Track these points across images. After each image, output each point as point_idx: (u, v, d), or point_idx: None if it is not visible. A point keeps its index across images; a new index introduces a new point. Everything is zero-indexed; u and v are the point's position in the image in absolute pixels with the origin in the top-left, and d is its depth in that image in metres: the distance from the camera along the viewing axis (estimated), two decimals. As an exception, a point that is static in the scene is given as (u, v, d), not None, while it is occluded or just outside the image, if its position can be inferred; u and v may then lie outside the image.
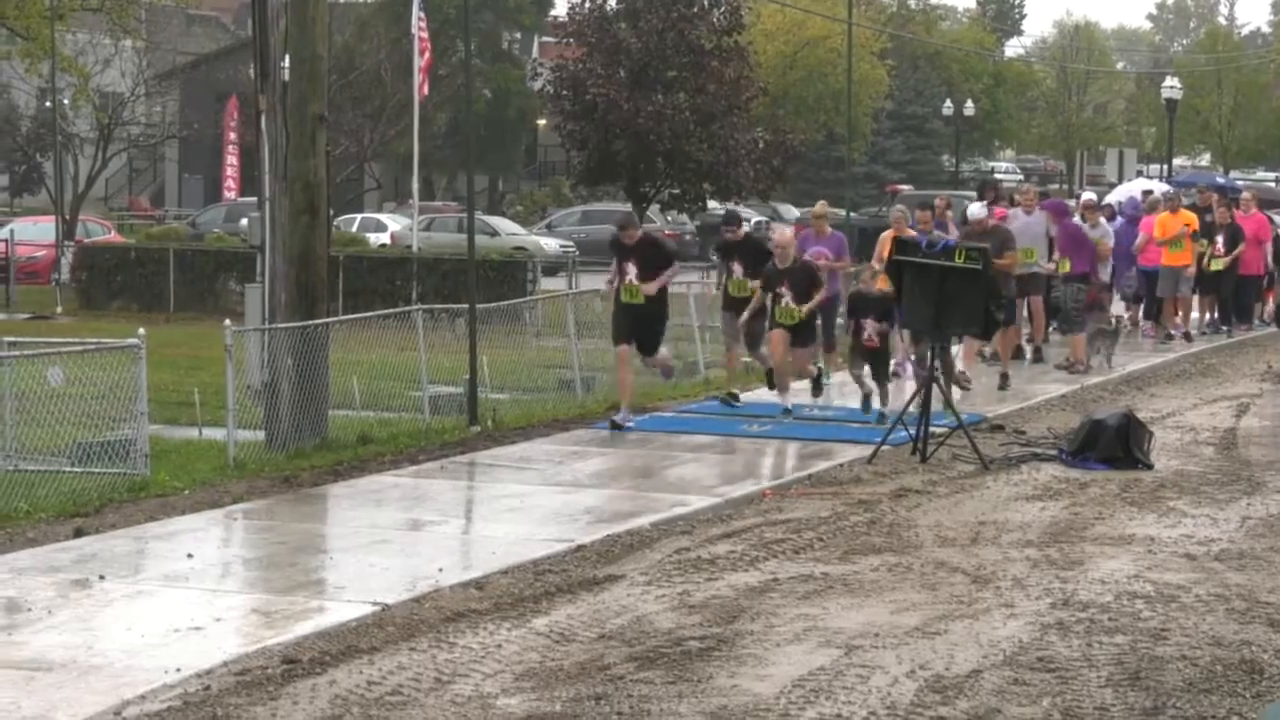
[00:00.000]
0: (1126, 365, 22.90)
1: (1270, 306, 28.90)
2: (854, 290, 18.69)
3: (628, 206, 45.89)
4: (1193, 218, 26.01)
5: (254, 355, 16.98)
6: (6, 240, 40.51)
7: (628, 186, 45.94)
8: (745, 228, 20.29)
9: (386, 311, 20.79)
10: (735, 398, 18.72)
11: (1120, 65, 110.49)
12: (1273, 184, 68.14)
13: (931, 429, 15.74)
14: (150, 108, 62.72)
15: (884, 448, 15.67)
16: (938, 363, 16.68)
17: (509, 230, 51.90)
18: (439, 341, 20.19)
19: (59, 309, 37.44)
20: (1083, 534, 12.49)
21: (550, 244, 49.42)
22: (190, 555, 11.52)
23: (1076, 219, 23.33)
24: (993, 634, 9.64)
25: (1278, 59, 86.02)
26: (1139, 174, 65.42)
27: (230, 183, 56.97)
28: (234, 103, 55.80)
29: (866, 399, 17.93)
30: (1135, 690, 8.63)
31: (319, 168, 16.63)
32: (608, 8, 45.58)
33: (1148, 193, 31.65)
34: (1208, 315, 27.57)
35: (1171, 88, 62.86)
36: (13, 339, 16.81)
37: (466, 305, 18.88)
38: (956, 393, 18.50)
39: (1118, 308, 26.43)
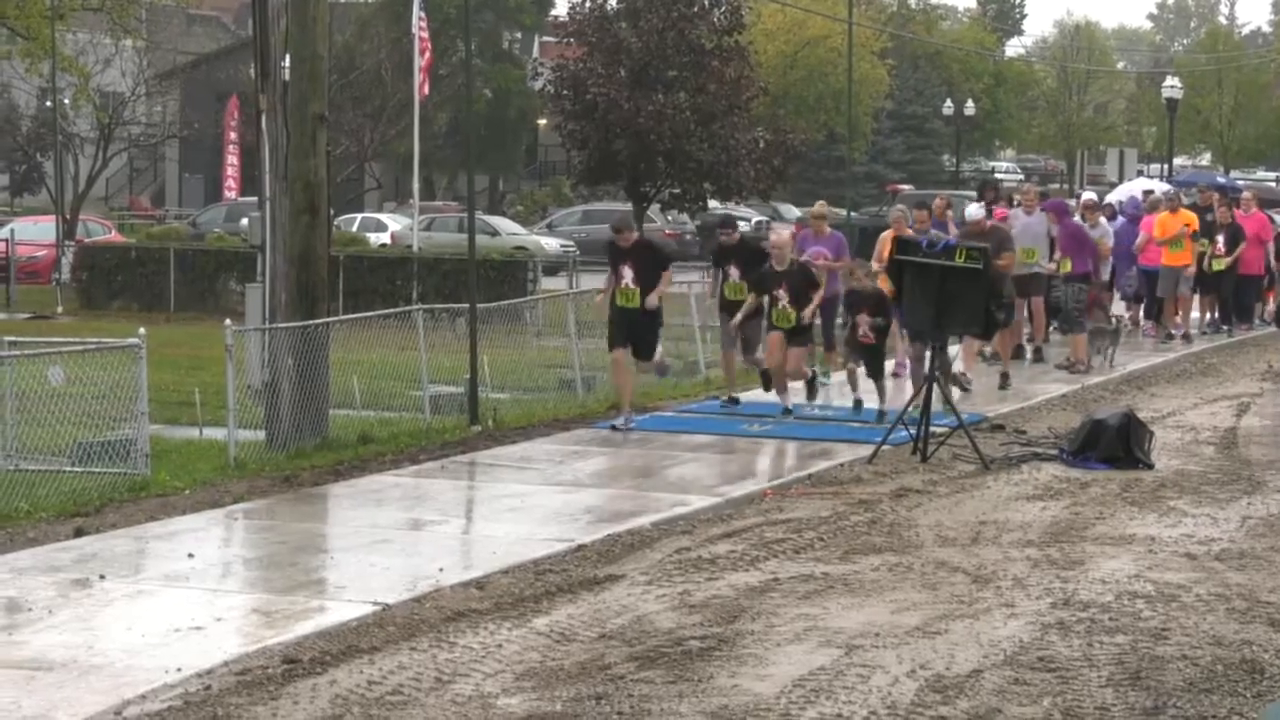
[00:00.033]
0: (1127, 365, 22.90)
1: (1271, 306, 28.90)
2: (848, 287, 18.70)
3: (628, 206, 45.93)
4: (1193, 218, 26.00)
5: (254, 355, 16.98)
6: (7, 240, 40.50)
7: (628, 186, 45.93)
8: (745, 226, 20.32)
9: (387, 311, 20.79)
10: (736, 401, 18.71)
11: (1121, 65, 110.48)
12: (1273, 183, 68.17)
13: (932, 429, 15.74)
14: (151, 107, 62.71)
15: (884, 447, 15.66)
16: (938, 362, 16.67)
17: (509, 230, 51.90)
18: (439, 341, 20.19)
19: (59, 309, 37.45)
20: (1083, 534, 12.49)
21: (551, 244, 49.43)
22: (191, 555, 11.53)
23: (1076, 219, 23.34)
24: (993, 634, 9.64)
25: (1278, 59, 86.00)
26: (1139, 174, 65.47)
27: (231, 182, 56.95)
28: (234, 102, 55.79)
29: (858, 404, 17.90)
30: (1136, 690, 8.63)
31: (319, 167, 16.64)
32: (608, 7, 45.57)
33: (1148, 192, 31.66)
34: (1208, 315, 27.57)
35: (1172, 87, 62.86)
36: (13, 338, 16.80)
37: (467, 305, 18.88)
38: (957, 393, 18.50)
39: (1118, 307, 26.44)
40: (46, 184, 55.26)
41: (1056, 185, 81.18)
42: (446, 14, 60.52)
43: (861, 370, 17.83)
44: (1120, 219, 27.35)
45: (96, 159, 55.14)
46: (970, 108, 78.50)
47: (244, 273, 33.37)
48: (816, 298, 17.77)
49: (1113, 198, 34.84)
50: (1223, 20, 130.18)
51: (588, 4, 45.43)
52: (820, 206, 21.68)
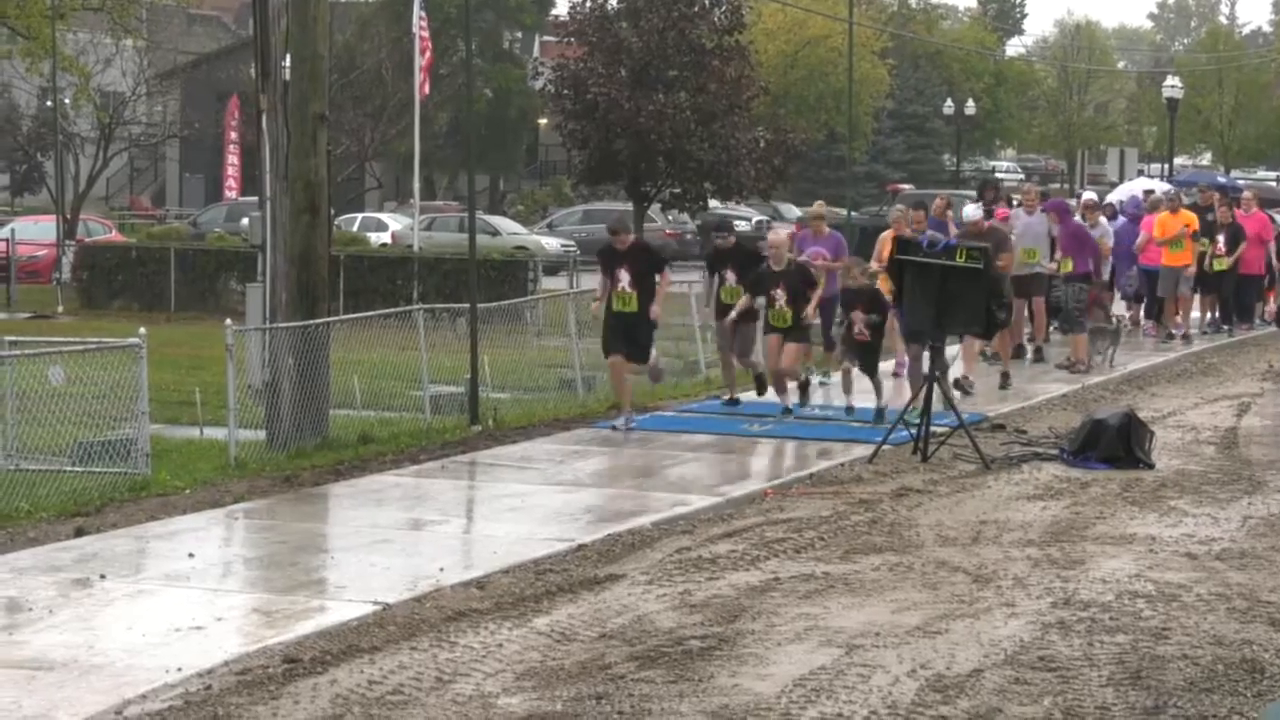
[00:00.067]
0: (1127, 365, 22.89)
1: (1271, 306, 28.88)
2: (843, 284, 18.61)
3: (629, 206, 45.93)
4: (1193, 218, 25.98)
5: (255, 355, 16.98)
6: (7, 240, 40.51)
7: (629, 186, 45.92)
8: (745, 226, 20.26)
9: (387, 311, 20.79)
10: (736, 401, 18.70)
11: (1121, 64, 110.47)
12: (1274, 183, 68.12)
13: (932, 428, 15.74)
14: (151, 107, 62.70)
15: (885, 447, 15.66)
16: (937, 363, 16.66)
17: (510, 230, 51.90)
18: (440, 341, 20.19)
19: (60, 308, 37.46)
20: (1084, 533, 12.49)
21: (551, 243, 49.43)
22: (191, 555, 11.53)
23: (1077, 218, 23.34)
24: (994, 633, 9.64)
25: (1278, 58, 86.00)
26: (1140, 173, 65.48)
27: (231, 182, 56.95)
28: (235, 102, 55.79)
29: (849, 409, 17.68)
30: (1136, 689, 8.63)
31: (320, 167, 16.64)
32: (609, 7, 45.56)
33: (1149, 192, 31.66)
34: (1209, 314, 27.57)
35: (1172, 87, 62.88)
36: (14, 338, 16.82)
37: (468, 304, 18.87)
38: (958, 393, 18.49)
39: (1118, 307, 26.44)
40: (47, 184, 55.26)
41: (1057, 185, 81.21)
42: (447, 13, 60.51)
43: (857, 370, 17.64)
44: (1121, 219, 27.35)
45: (97, 159, 55.14)
46: (971, 107, 78.52)
47: (244, 272, 33.37)
48: (815, 296, 17.75)
49: (1113, 197, 34.85)
50: (1223, 20, 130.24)
51: (588, 4, 45.42)
52: (818, 207, 21.64)
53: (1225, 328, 27.34)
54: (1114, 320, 24.20)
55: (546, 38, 68.77)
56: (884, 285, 18.13)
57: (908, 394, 17.34)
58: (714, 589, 10.66)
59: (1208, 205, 27.21)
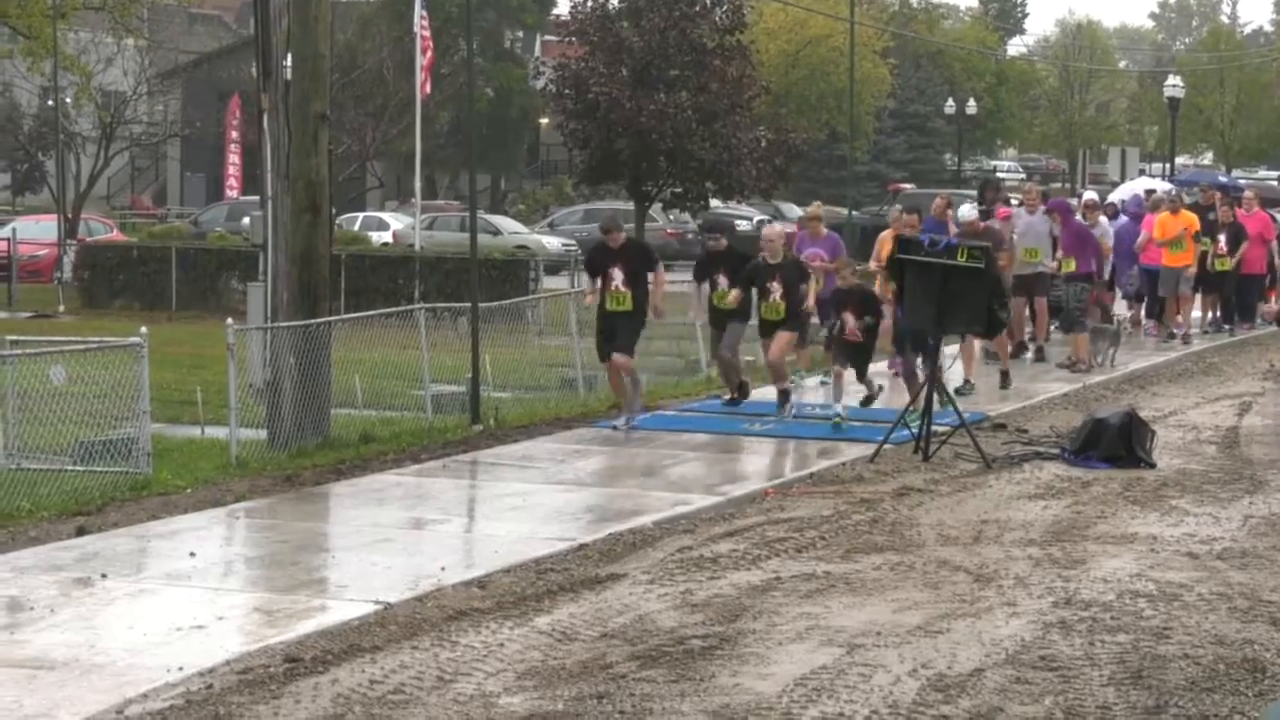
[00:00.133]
0: (1128, 364, 22.89)
1: (1273, 305, 28.84)
2: (835, 285, 18.32)
3: (630, 205, 45.92)
4: (1193, 219, 25.96)
5: (256, 354, 16.98)
6: (9, 239, 40.52)
7: (630, 185, 45.91)
8: (746, 225, 20.16)
9: (389, 310, 20.82)
10: (737, 400, 18.67)
11: (1123, 64, 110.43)
12: (1275, 182, 68.07)
13: (934, 427, 15.74)
14: (152, 106, 62.73)
15: (886, 446, 15.66)
16: (940, 361, 16.65)
17: (511, 229, 51.92)
18: (441, 340, 20.20)
19: (61, 307, 37.46)
20: (1085, 533, 12.49)
21: (552, 243, 49.44)
22: (192, 554, 11.53)
23: (1077, 218, 23.34)
24: (995, 633, 9.64)
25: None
26: (1141, 173, 65.38)
27: (232, 181, 56.98)
28: (236, 101, 55.81)
29: (837, 426, 16.93)
30: (1138, 689, 8.63)
31: (321, 166, 16.64)
32: (610, 6, 45.52)
33: (1150, 192, 31.64)
34: (1210, 314, 27.57)
35: (1174, 86, 62.85)
36: (15, 337, 16.81)
37: (469, 304, 18.87)
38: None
39: (1120, 306, 26.43)
40: (48, 183, 55.26)
41: (1058, 184, 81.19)
42: (448, 13, 60.51)
43: (849, 374, 17.24)
44: (1123, 218, 27.34)
45: (98, 158, 55.17)
46: (972, 107, 78.50)
47: (246, 271, 33.39)
48: (811, 288, 17.70)
49: (1115, 196, 34.82)
50: (1224, 19, 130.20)
51: (589, 3, 45.40)
52: (815, 208, 21.50)
53: (1226, 327, 27.34)
54: (1114, 321, 24.20)
55: (548, 37, 68.78)
56: (885, 287, 18.06)
57: (907, 394, 17.32)
58: (715, 588, 10.67)
59: (1209, 205, 27.20)
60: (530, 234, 51.50)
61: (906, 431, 15.83)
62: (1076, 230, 22.27)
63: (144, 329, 15.22)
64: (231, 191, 56.59)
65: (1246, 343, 26.49)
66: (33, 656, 9.06)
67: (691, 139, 43.39)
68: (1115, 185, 48.86)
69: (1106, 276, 24.49)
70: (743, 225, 49.49)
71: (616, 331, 17.21)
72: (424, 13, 44.29)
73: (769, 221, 48.73)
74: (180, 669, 8.82)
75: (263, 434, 16.16)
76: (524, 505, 13.38)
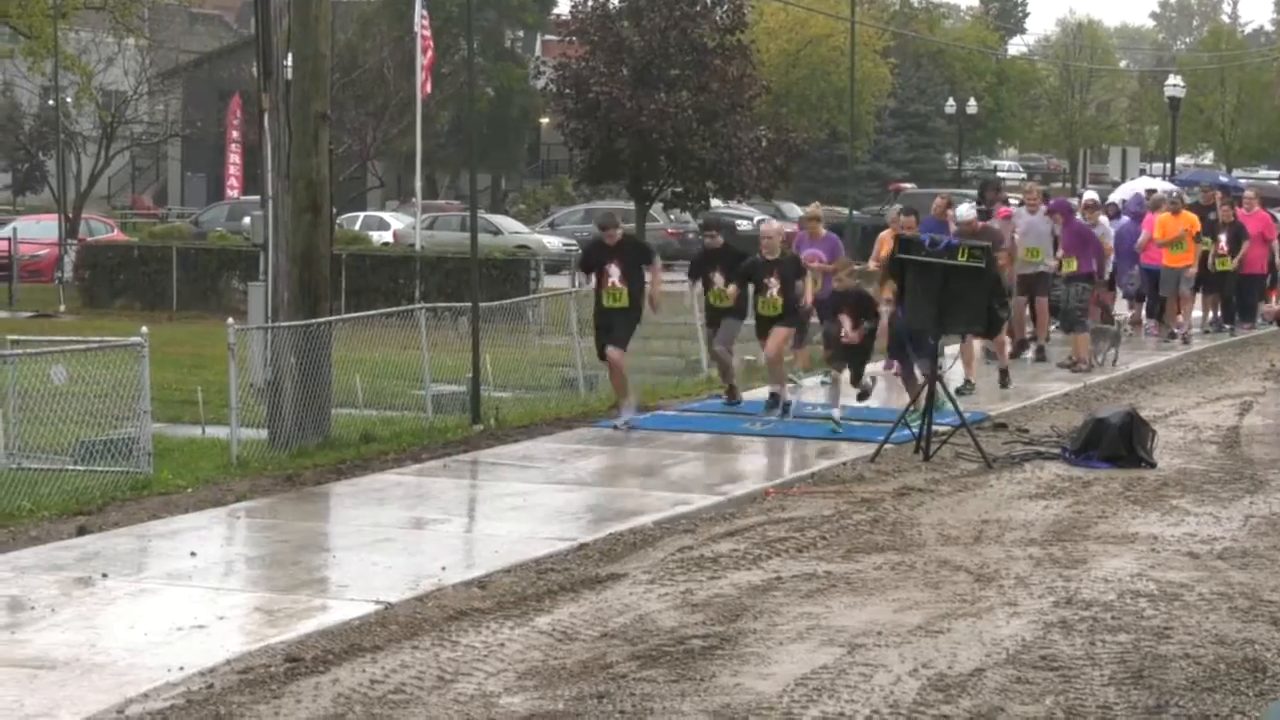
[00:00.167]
0: (1129, 364, 22.89)
1: (1273, 305, 28.84)
2: (832, 290, 18.23)
3: (630, 205, 45.91)
4: (1194, 220, 25.95)
5: (257, 354, 16.99)
6: (10, 239, 40.53)
7: (630, 185, 45.91)
8: (747, 225, 20.13)
9: (389, 310, 20.81)
10: (737, 400, 18.66)
11: (1123, 63, 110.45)
12: (1276, 182, 68.11)
13: (934, 427, 15.74)
14: (153, 106, 62.73)
15: (886, 446, 15.66)
16: (940, 361, 16.64)
17: (512, 229, 51.92)
18: (442, 340, 20.19)
19: (62, 307, 37.45)
20: (1086, 532, 12.49)
21: (553, 242, 49.43)
22: (193, 553, 11.53)
23: (1078, 218, 23.34)
24: (996, 632, 9.64)
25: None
26: (1142, 172, 65.41)
27: (233, 181, 56.97)
28: (237, 101, 55.81)
29: (834, 430, 16.90)
30: (1138, 689, 8.63)
31: (322, 166, 16.64)
32: (610, 6, 45.54)
33: (1151, 191, 31.63)
34: (1210, 313, 27.57)
35: (1174, 86, 62.84)
36: (16, 337, 16.81)
37: (469, 303, 18.87)
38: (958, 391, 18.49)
39: (1121, 305, 26.43)
40: (49, 183, 55.25)
41: (1059, 184, 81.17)
42: (449, 12, 60.50)
43: (844, 376, 17.13)
44: (1124, 218, 27.33)
45: (99, 158, 55.16)
46: (973, 106, 78.49)
47: (246, 271, 33.40)
48: (808, 284, 17.70)
49: (1116, 196, 34.82)
50: (1225, 19, 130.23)
51: (590, 3, 45.41)
52: (814, 208, 21.45)
53: (1227, 327, 27.34)
54: (1115, 322, 24.20)
55: (548, 37, 68.78)
56: (884, 287, 18.02)
57: (905, 392, 17.31)
58: (716, 588, 10.66)
59: (1210, 204, 27.20)
60: (531, 234, 51.50)
61: (907, 431, 15.83)
62: (1078, 230, 22.27)
63: (145, 329, 15.22)
64: (232, 191, 56.59)
65: (1247, 342, 26.50)
66: (34, 656, 9.06)
67: (692, 138, 43.40)
68: (1116, 185, 48.86)
69: (1107, 276, 24.50)
70: (743, 225, 49.48)
71: (613, 327, 17.24)
72: (424, 12, 44.28)
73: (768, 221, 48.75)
74: (181, 669, 8.82)
75: (263, 434, 16.16)
76: (524, 505, 13.38)
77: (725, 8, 45.42)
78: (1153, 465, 15.33)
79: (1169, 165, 66.68)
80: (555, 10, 68.89)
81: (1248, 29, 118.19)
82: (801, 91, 68.77)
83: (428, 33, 44.64)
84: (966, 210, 20.75)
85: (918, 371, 17.24)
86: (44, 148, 58.91)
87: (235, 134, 56.06)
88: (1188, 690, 8.59)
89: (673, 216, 51.62)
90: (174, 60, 65.31)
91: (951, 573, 11.11)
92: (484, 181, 66.09)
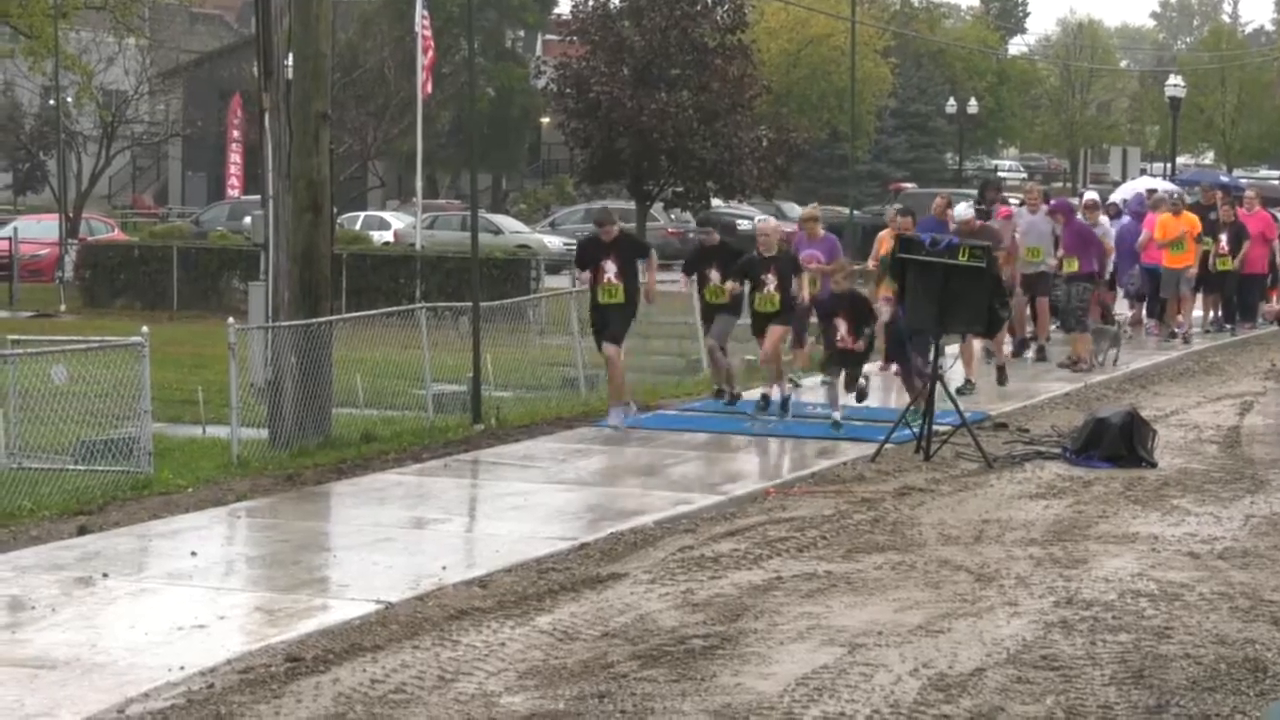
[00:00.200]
0: (1130, 363, 22.89)
1: (1274, 305, 28.83)
2: (829, 291, 18.14)
3: (631, 205, 45.91)
4: (1195, 220, 25.94)
5: (257, 353, 16.98)
6: (10, 238, 40.53)
7: (631, 185, 45.90)
8: (747, 225, 20.13)
9: (390, 309, 20.80)
10: (737, 399, 18.65)
11: (1124, 63, 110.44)
12: (1276, 182, 68.10)
13: (935, 427, 15.74)
14: (154, 106, 62.74)
15: (887, 446, 15.66)
16: (941, 361, 16.63)
17: (512, 228, 51.92)
18: (442, 339, 20.19)
19: (62, 307, 37.46)
20: (1086, 532, 12.49)
21: (554, 242, 49.41)
22: (194, 553, 11.53)
23: (1078, 217, 23.34)
24: (996, 632, 9.64)
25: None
26: (1142, 172, 65.40)
27: (234, 181, 57.00)
28: (237, 101, 55.83)
29: (835, 425, 16.86)
30: (1139, 688, 8.62)
31: (322, 166, 16.64)
32: (611, 6, 45.53)
33: (1152, 191, 31.62)
34: (1211, 313, 27.57)
35: (1175, 86, 62.83)
36: (16, 337, 16.81)
37: (470, 303, 18.87)
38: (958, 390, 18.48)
39: (1122, 305, 26.43)
40: (50, 182, 55.27)
41: (1060, 184, 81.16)
42: (449, 12, 60.51)
43: (842, 377, 17.04)
44: (1125, 217, 27.33)
45: (99, 157, 55.19)
46: (973, 106, 78.48)
47: (247, 271, 33.40)
48: (804, 280, 17.68)
49: (1116, 196, 34.81)
50: (1226, 19, 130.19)
51: (591, 2, 45.41)
52: (813, 209, 21.41)
53: (1228, 326, 27.35)
54: (1115, 322, 24.19)
55: (549, 36, 68.79)
56: (884, 291, 18.00)
57: (903, 392, 17.31)
58: (716, 588, 10.66)
59: (1210, 204, 27.19)
60: (531, 233, 51.50)
61: (907, 431, 15.83)
62: (1078, 230, 22.27)
63: (145, 328, 15.22)
64: (233, 191, 56.61)
65: (1248, 342, 26.50)
66: (34, 656, 9.06)
67: (693, 138, 43.39)
68: (1116, 185, 48.85)
69: (1108, 276, 24.51)
70: (743, 225, 49.45)
71: (609, 323, 17.25)
72: (425, 12, 44.30)
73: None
74: (182, 668, 8.82)
75: (264, 433, 16.16)
76: (525, 504, 13.38)
77: (726, 7, 45.41)
78: (1153, 465, 15.33)
79: (1169, 165, 66.68)
80: (556, 10, 68.92)
81: (1248, 29, 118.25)
82: (802, 91, 68.77)
83: (428, 32, 44.66)
84: (964, 210, 20.73)
85: (918, 371, 17.25)
86: (45, 147, 58.95)
87: (236, 133, 56.09)
88: (1188, 690, 8.59)
89: (673, 216, 51.62)
90: (174, 60, 65.33)
91: (952, 572, 11.11)
92: (485, 181, 66.11)
